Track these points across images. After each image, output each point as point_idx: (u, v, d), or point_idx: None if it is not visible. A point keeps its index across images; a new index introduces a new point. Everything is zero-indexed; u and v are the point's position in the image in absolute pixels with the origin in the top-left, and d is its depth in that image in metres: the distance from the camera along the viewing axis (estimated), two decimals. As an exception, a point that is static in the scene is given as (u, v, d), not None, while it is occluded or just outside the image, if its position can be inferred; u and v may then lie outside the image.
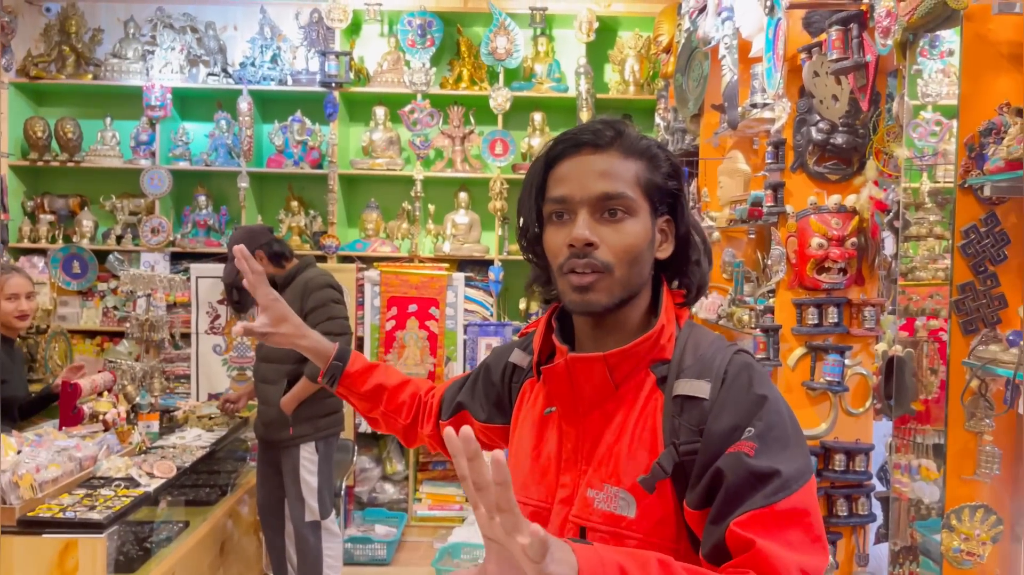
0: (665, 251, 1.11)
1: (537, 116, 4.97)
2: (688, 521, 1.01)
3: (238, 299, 3.81)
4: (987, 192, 1.55)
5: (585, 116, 4.73)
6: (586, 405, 1.08)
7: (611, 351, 1.06)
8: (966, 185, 1.58)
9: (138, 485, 2.61)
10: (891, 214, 2.01)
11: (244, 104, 4.80)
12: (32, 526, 2.34)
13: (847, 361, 2.45)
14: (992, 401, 1.54)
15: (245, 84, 4.84)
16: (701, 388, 1.03)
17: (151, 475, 2.73)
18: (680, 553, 1.00)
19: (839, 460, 2.46)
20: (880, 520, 2.48)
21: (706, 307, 3.50)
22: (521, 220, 1.14)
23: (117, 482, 2.63)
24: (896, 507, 2.20)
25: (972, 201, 1.60)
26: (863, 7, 2.05)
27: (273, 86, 4.89)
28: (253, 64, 4.88)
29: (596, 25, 4.81)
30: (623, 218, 1.05)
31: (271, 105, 5.11)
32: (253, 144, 4.88)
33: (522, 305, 4.99)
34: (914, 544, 2.19)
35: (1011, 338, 1.53)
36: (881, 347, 2.04)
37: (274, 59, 4.91)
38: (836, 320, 2.44)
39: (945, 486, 1.63)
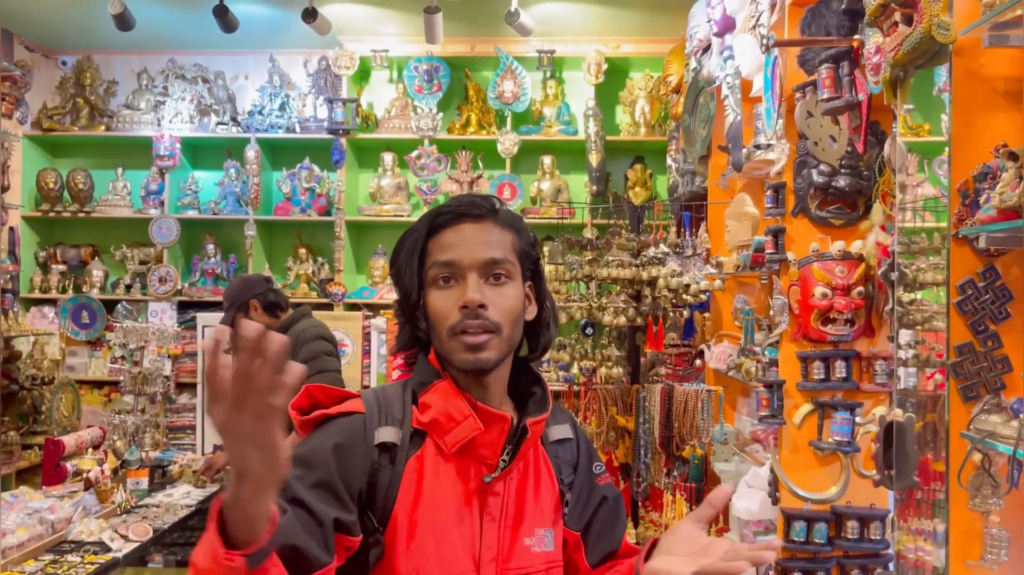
0: (531, 313, 1.19)
1: (547, 159, 4.88)
2: (565, 536, 1.21)
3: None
4: (983, 243, 1.39)
5: (594, 159, 4.62)
6: (516, 463, 1.14)
7: (549, 409, 1.17)
8: (960, 235, 1.43)
9: (108, 550, 2.51)
10: (886, 264, 1.84)
11: (251, 152, 4.79)
12: (-11, 596, 2.25)
13: (858, 419, 2.27)
14: (998, 478, 1.36)
15: (253, 132, 4.84)
16: (566, 431, 1.25)
17: (125, 538, 2.63)
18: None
19: (852, 527, 2.26)
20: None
21: (716, 357, 3.33)
22: (401, 287, 1.17)
23: (87, 546, 2.53)
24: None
25: (968, 253, 1.43)
26: (854, 43, 1.92)
27: (281, 134, 4.89)
28: (261, 112, 4.89)
29: (605, 67, 4.73)
30: (505, 282, 1.13)
31: (279, 153, 5.10)
32: (261, 192, 4.86)
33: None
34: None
35: (1015, 406, 1.35)
36: (880, 411, 1.87)
37: (282, 107, 4.91)
38: (844, 375, 2.26)
39: (947, 573, 1.45)
